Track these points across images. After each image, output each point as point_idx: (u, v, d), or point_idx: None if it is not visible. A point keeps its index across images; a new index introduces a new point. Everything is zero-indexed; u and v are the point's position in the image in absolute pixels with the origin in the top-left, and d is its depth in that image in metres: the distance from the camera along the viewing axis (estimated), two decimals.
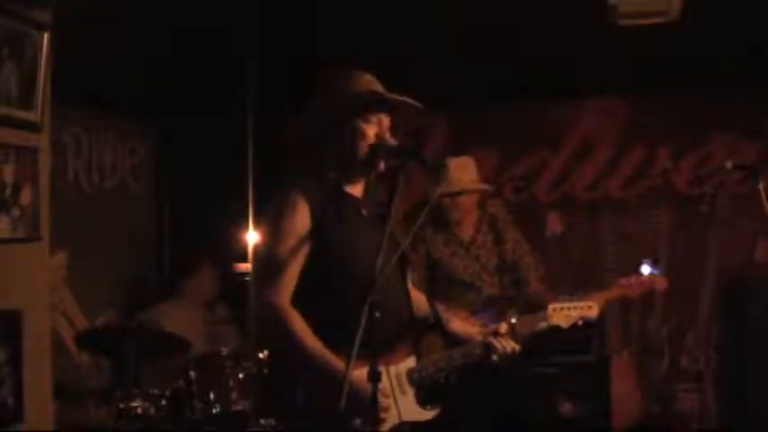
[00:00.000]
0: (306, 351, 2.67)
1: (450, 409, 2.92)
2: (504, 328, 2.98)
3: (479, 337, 2.97)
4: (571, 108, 5.79)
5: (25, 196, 3.41)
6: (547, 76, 5.32)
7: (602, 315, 5.14)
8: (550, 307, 3.10)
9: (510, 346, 2.96)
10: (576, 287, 4.35)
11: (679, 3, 4.40)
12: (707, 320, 5.54)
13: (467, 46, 5.03)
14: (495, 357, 2.95)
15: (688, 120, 5.56)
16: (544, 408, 4.63)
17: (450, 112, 5.74)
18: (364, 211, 2.86)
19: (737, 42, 4.89)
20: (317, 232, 2.75)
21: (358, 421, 2.58)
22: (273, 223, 2.78)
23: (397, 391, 2.77)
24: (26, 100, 3.42)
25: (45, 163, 3.56)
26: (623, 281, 4.12)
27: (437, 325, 2.94)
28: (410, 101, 2.84)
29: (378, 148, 2.78)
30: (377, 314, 2.39)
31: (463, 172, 4.39)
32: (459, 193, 4.36)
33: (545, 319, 3.09)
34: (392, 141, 2.78)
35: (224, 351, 4.18)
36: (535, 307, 4.30)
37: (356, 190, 2.88)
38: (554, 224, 5.84)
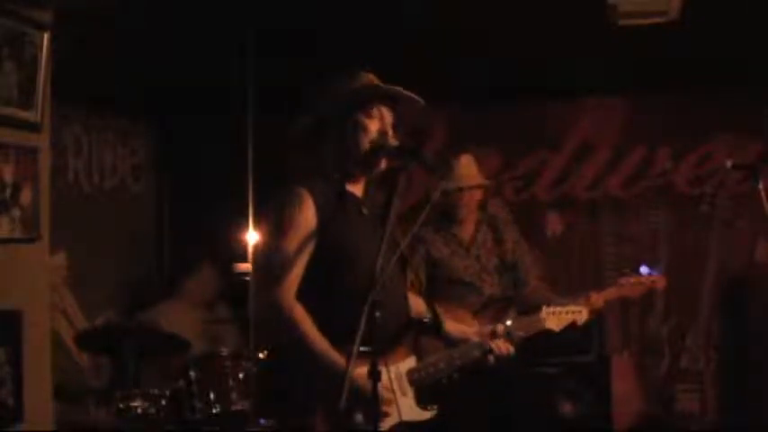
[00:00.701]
0: (310, 346, 2.67)
1: (450, 410, 2.93)
2: (500, 329, 3.02)
3: (476, 339, 3.00)
4: (571, 108, 5.79)
5: (25, 196, 3.41)
6: (547, 76, 5.32)
7: (602, 315, 5.21)
8: (544, 310, 3.18)
9: (506, 348, 3.00)
10: (576, 287, 4.36)
11: (679, 3, 4.40)
12: (707, 320, 5.54)
13: (467, 46, 5.03)
14: (491, 359, 2.99)
15: (688, 120, 5.56)
16: (544, 408, 4.63)
17: (450, 112, 5.74)
18: (365, 210, 2.86)
19: (737, 42, 4.89)
20: (321, 229, 2.73)
21: (360, 417, 2.58)
22: (279, 217, 2.75)
23: (398, 391, 2.76)
24: (26, 100, 3.42)
25: (45, 163, 3.56)
26: (623, 280, 4.16)
27: (435, 326, 2.95)
28: (411, 94, 2.83)
29: (379, 147, 2.77)
30: (377, 314, 2.38)
31: (464, 169, 4.40)
32: (460, 190, 4.35)
33: (539, 321, 3.17)
34: (393, 141, 2.78)
35: (224, 351, 4.18)
36: (533, 308, 4.33)
37: (357, 189, 2.87)
38: (554, 224, 5.84)
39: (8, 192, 3.34)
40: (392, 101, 2.84)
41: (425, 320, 2.96)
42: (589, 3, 4.40)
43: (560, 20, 4.71)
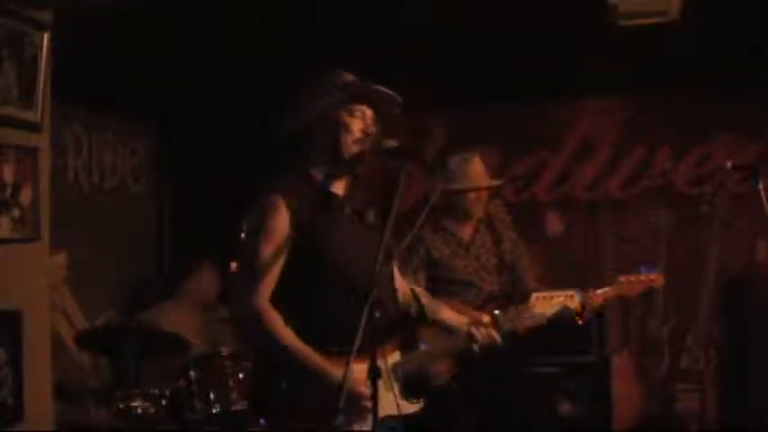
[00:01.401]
0: (287, 350, 2.70)
1: (435, 402, 2.95)
2: (486, 318, 3.08)
3: (464, 329, 3.05)
4: (571, 108, 5.79)
5: (25, 196, 3.41)
6: (547, 76, 5.33)
7: (603, 315, 5.21)
8: (533, 296, 3.23)
9: (491, 336, 3.04)
10: (576, 287, 4.36)
11: (679, 3, 4.40)
12: (707, 320, 5.53)
13: (467, 46, 5.03)
14: (476, 347, 3.01)
15: (688, 120, 5.56)
16: (544, 408, 4.63)
17: (450, 112, 5.74)
18: (347, 210, 2.88)
19: (737, 42, 4.89)
20: (301, 231, 2.75)
21: (341, 418, 2.56)
22: (254, 224, 2.78)
23: (385, 385, 2.75)
24: (26, 100, 3.42)
25: (45, 163, 3.56)
26: (621, 279, 4.18)
27: (421, 317, 2.97)
28: (390, 92, 2.85)
29: (379, 148, 2.78)
30: (377, 314, 2.41)
31: (473, 170, 4.39)
32: (464, 191, 4.36)
33: (527, 310, 3.22)
34: (393, 142, 2.78)
35: (224, 351, 4.18)
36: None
37: (339, 188, 2.89)
38: (554, 224, 5.84)
39: (8, 192, 3.34)
40: (372, 100, 2.85)
41: (412, 313, 3.00)
42: (589, 3, 4.41)
43: (560, 20, 4.72)
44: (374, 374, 2.41)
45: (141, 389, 3.98)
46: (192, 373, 4.01)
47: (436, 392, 4.05)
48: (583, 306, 4.29)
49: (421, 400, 2.87)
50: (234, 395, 4.04)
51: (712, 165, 5.55)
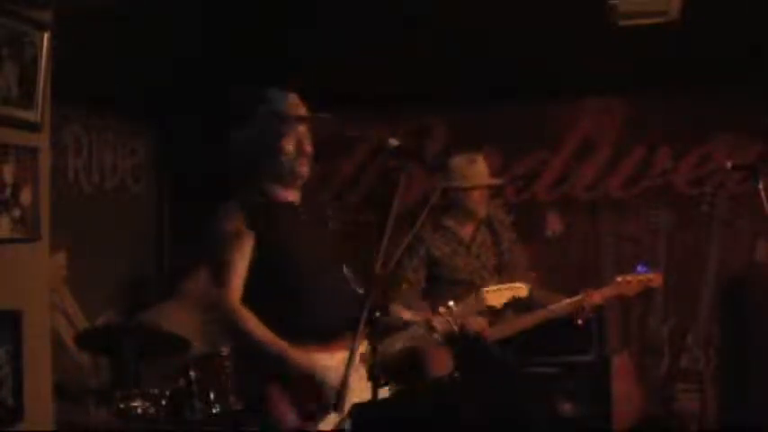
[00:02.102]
0: (262, 345, 2.91)
1: (401, 387, 3.17)
2: (442, 310, 3.31)
3: (424, 320, 3.30)
4: (571, 108, 5.79)
5: (25, 196, 3.41)
6: (547, 76, 5.33)
7: (603, 315, 5.21)
8: (484, 290, 3.46)
9: (448, 325, 3.30)
10: (576, 287, 4.36)
11: (679, 3, 4.40)
12: (707, 320, 5.53)
13: (467, 46, 5.03)
14: (437, 336, 3.26)
15: (688, 120, 5.56)
16: (544, 408, 4.63)
17: (450, 112, 5.74)
18: (302, 215, 3.12)
19: (737, 42, 4.89)
20: (259, 236, 2.99)
21: (314, 407, 2.88)
22: (214, 229, 3.04)
23: (353, 374, 2.85)
24: (26, 100, 3.41)
25: (45, 163, 3.55)
26: (619, 279, 4.20)
27: (382, 310, 3.09)
28: (321, 116, 3.12)
29: (380, 149, 2.86)
30: (377, 314, 2.53)
31: (476, 168, 4.40)
32: (467, 189, 4.36)
33: (481, 300, 3.43)
34: (393, 142, 2.80)
35: (224, 351, 4.17)
36: (531, 306, 4.38)
37: (293, 195, 3.13)
38: (554, 224, 5.84)
39: (8, 192, 3.33)
40: (303, 121, 3.11)
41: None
42: (589, 3, 4.41)
43: (560, 20, 4.72)
44: (374, 373, 2.54)
45: (141, 389, 3.97)
46: (192, 373, 4.01)
47: (438, 390, 4.10)
48: (582, 307, 4.33)
49: (387, 385, 3.03)
50: (234, 395, 4.03)
51: (712, 165, 5.55)
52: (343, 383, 2.56)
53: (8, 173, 3.33)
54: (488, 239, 4.47)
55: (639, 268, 4.31)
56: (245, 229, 2.99)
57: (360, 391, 2.84)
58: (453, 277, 4.30)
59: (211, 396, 4.01)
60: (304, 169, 3.09)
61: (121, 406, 3.89)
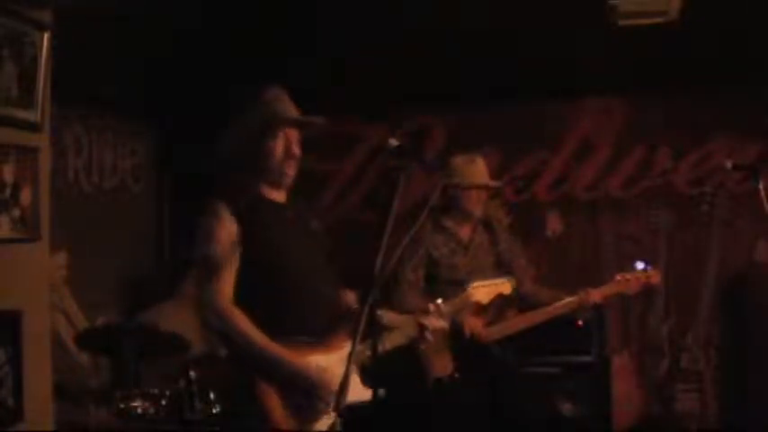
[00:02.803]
0: (254, 346, 2.92)
1: (389, 387, 3.09)
2: (431, 308, 3.31)
3: (411, 319, 3.27)
4: (571, 108, 5.79)
5: (25, 196, 3.41)
6: (547, 76, 5.33)
7: (603, 315, 5.22)
8: (470, 287, 3.48)
9: (439, 324, 3.29)
10: (576, 287, 4.36)
11: (679, 3, 4.41)
12: (707, 320, 5.54)
13: (467, 46, 5.03)
14: (427, 335, 3.24)
15: (688, 120, 5.56)
16: (544, 408, 4.63)
17: (450, 112, 5.74)
18: (289, 214, 3.16)
19: (737, 42, 4.89)
20: (246, 237, 3.01)
21: (302, 400, 2.91)
22: (202, 229, 3.04)
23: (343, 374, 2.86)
24: (26, 100, 3.42)
25: (45, 163, 3.55)
26: (618, 277, 4.20)
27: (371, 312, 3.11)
28: (312, 118, 3.17)
29: (379, 149, 2.87)
30: (378, 312, 2.53)
31: (475, 168, 4.41)
32: (466, 187, 4.36)
33: (467, 296, 3.47)
34: (394, 142, 2.80)
35: (224, 351, 4.17)
36: (530, 306, 4.38)
37: (279, 196, 3.17)
38: (554, 224, 5.84)
39: (8, 192, 3.33)
40: (296, 123, 3.15)
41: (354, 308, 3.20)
42: (589, 3, 4.41)
43: (560, 20, 4.72)
44: (373, 373, 2.55)
45: (141, 389, 3.97)
46: (191, 373, 4.01)
47: (439, 389, 4.11)
48: (582, 306, 4.34)
49: (375, 385, 3.00)
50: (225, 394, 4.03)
51: (712, 165, 5.55)
52: (343, 384, 2.54)
53: (8, 173, 3.33)
54: (486, 240, 4.48)
55: (637, 264, 4.32)
56: (233, 229, 3.00)
57: (357, 391, 2.84)
58: (452, 277, 4.30)
59: (211, 396, 4.01)
60: (291, 171, 3.14)
61: (121, 406, 3.89)
